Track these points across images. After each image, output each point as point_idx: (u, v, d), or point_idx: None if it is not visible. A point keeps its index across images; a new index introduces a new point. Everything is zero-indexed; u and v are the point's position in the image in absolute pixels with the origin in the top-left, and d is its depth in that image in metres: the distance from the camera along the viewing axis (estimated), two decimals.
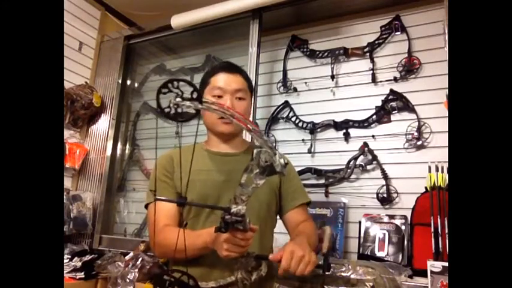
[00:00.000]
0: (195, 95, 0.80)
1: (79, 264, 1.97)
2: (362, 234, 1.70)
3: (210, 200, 1.14)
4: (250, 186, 0.81)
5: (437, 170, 1.53)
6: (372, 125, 1.90)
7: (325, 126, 2.01)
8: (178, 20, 2.25)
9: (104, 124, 2.48)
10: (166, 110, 0.82)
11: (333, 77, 2.03)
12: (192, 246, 1.01)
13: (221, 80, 1.20)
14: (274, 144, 0.82)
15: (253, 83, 2.00)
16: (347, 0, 2.03)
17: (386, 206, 1.77)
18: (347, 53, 2.04)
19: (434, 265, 1.31)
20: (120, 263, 1.87)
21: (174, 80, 0.83)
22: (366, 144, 1.86)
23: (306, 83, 2.10)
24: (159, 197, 1.09)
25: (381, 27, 1.98)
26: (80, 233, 2.22)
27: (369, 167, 1.84)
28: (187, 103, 0.81)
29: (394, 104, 1.85)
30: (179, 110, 0.82)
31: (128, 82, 2.66)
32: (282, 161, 0.79)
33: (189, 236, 0.99)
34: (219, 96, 1.19)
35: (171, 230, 1.11)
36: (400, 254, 1.59)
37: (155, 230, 1.11)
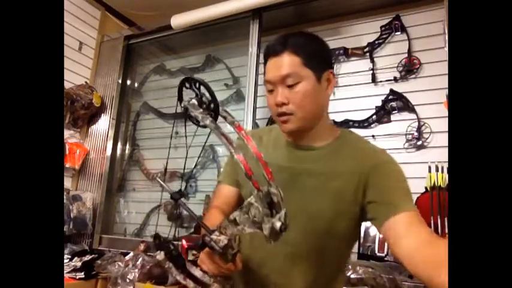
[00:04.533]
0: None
1: (79, 264, 1.97)
2: (362, 234, 1.70)
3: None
4: (237, 226, 0.70)
5: (437, 170, 1.53)
6: (372, 125, 1.90)
7: None
8: (178, 20, 2.25)
9: (104, 124, 2.48)
10: (181, 109, 0.77)
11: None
12: None
13: (268, 70, 0.93)
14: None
15: (254, 81, 2.00)
16: (347, 0, 2.03)
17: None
18: (347, 53, 2.04)
19: None
20: (120, 263, 1.87)
21: (195, 81, 0.78)
22: None
23: None
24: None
25: (381, 27, 1.98)
26: (80, 233, 2.22)
27: None
28: (195, 112, 0.75)
29: (394, 104, 1.85)
30: (194, 114, 0.77)
31: (128, 82, 2.66)
32: (277, 224, 0.64)
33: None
34: (271, 91, 0.93)
35: (211, 213, 1.00)
36: None
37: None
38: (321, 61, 0.94)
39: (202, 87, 0.80)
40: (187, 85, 0.82)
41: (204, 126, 0.76)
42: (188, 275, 0.80)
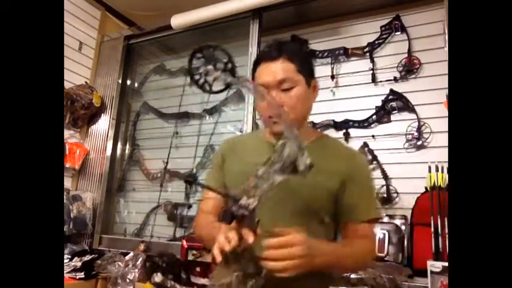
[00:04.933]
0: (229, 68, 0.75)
1: (79, 264, 1.97)
2: None
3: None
4: (265, 182, 0.71)
5: (437, 170, 1.53)
6: (372, 125, 1.90)
7: (325, 126, 2.00)
8: (178, 20, 2.25)
9: (104, 124, 2.48)
10: (196, 77, 0.76)
11: (333, 77, 2.03)
12: (208, 236, 0.95)
13: (262, 74, 1.00)
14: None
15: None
16: (347, 0, 2.03)
17: (386, 206, 1.77)
18: (347, 53, 2.04)
19: (434, 265, 1.31)
20: (120, 263, 1.87)
21: (210, 47, 0.77)
22: (366, 144, 1.86)
23: None
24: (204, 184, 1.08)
25: (381, 27, 1.98)
26: (80, 233, 2.22)
27: None
28: (213, 75, 0.74)
29: (394, 104, 1.85)
30: (209, 80, 0.76)
31: (128, 82, 2.66)
32: (307, 161, 0.71)
33: (208, 227, 0.97)
34: None
35: (203, 217, 1.07)
36: (400, 254, 1.59)
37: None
38: (311, 69, 1.05)
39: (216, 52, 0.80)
40: (198, 55, 0.81)
41: (220, 92, 0.77)
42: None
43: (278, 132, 0.96)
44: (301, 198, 0.94)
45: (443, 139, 1.71)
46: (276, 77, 0.97)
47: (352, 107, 1.97)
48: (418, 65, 1.84)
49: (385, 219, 1.70)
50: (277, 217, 0.89)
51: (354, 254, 0.91)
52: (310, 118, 2.03)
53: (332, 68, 2.03)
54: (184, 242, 1.73)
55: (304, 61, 1.03)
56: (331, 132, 1.99)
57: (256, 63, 1.03)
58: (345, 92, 2.01)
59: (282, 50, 1.00)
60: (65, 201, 2.12)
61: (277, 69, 0.97)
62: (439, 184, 1.51)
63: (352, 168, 0.98)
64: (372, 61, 1.96)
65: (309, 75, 1.02)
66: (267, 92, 0.96)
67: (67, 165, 2.29)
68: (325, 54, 2.08)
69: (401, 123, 1.83)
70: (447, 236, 1.39)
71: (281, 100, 0.96)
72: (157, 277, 0.78)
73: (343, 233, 0.99)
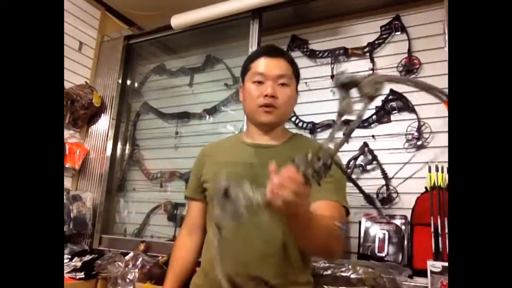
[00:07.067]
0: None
1: (79, 264, 1.97)
2: (362, 234, 1.70)
3: None
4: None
5: (437, 170, 1.53)
6: (372, 125, 1.90)
7: (325, 126, 2.00)
8: (178, 20, 2.25)
9: (104, 124, 2.48)
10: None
11: (333, 77, 2.03)
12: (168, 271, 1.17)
13: (262, 65, 1.08)
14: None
15: None
16: (347, 0, 2.03)
17: (386, 206, 1.77)
18: (347, 53, 2.04)
19: (434, 265, 1.31)
20: (120, 263, 1.87)
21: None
22: (366, 144, 1.86)
23: (306, 83, 2.10)
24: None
25: (381, 27, 1.98)
26: (80, 233, 2.22)
27: (368, 167, 1.84)
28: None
29: (394, 104, 1.85)
30: None
31: (128, 82, 2.66)
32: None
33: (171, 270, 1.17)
34: (260, 82, 1.06)
35: (175, 245, 1.22)
36: (400, 254, 1.59)
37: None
38: (299, 78, 1.16)
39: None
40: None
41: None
42: None
43: (266, 121, 1.07)
44: None
45: (443, 139, 1.71)
46: (277, 71, 1.06)
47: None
48: (418, 65, 1.84)
49: (385, 219, 1.70)
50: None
51: (324, 226, 0.88)
52: (310, 118, 2.05)
53: (332, 68, 2.03)
54: None
55: (297, 69, 1.14)
56: None
57: (255, 57, 1.11)
58: None
59: (284, 53, 1.13)
60: (65, 201, 2.11)
61: (279, 65, 1.07)
62: (439, 184, 1.51)
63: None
64: (372, 61, 1.96)
65: (297, 82, 1.14)
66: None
67: (67, 165, 2.29)
68: (325, 54, 2.08)
69: (401, 123, 1.83)
70: (447, 236, 1.39)
71: (276, 92, 1.04)
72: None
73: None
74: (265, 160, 0.97)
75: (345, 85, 0.72)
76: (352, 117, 0.77)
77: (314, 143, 1.16)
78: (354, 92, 0.74)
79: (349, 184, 1.85)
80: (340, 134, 0.79)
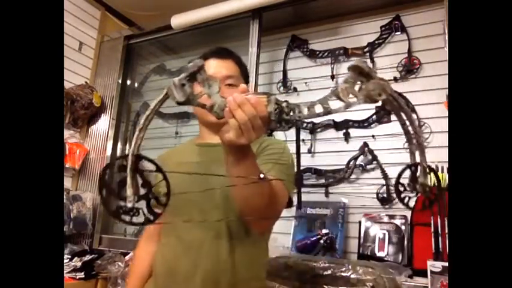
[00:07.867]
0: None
1: (79, 264, 1.97)
2: (362, 234, 1.70)
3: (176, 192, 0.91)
4: None
5: (437, 170, 1.53)
6: (372, 125, 1.90)
7: (325, 126, 2.01)
8: (178, 20, 2.25)
9: (104, 124, 2.48)
10: None
11: (333, 77, 2.03)
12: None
13: (210, 66, 1.09)
14: None
15: (254, 81, 2.01)
16: (347, 0, 2.03)
17: (386, 206, 1.77)
18: (347, 53, 2.04)
19: (434, 265, 1.31)
20: (120, 263, 1.87)
21: None
22: (366, 144, 1.86)
23: (306, 83, 2.10)
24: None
25: (381, 27, 1.98)
26: (80, 233, 2.22)
27: (368, 167, 1.85)
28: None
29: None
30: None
31: (128, 82, 2.66)
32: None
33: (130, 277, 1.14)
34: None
35: (135, 255, 1.21)
36: (400, 254, 1.59)
37: None
38: (248, 79, 1.19)
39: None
40: None
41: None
42: None
43: (212, 121, 1.03)
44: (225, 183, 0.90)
45: (443, 139, 1.71)
46: (225, 72, 1.08)
47: (352, 107, 1.96)
48: (418, 65, 1.84)
49: (385, 219, 1.70)
50: (204, 196, 0.93)
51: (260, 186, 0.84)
52: (310, 118, 2.05)
53: (332, 68, 2.03)
54: None
55: (246, 70, 1.18)
56: (331, 132, 1.99)
57: (204, 58, 1.10)
58: None
59: (232, 54, 1.15)
60: (65, 201, 2.12)
61: (227, 66, 1.10)
62: None
63: (261, 145, 1.04)
64: (372, 61, 1.96)
65: (246, 83, 1.14)
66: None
67: (67, 165, 2.29)
68: (325, 54, 2.08)
69: None
70: (447, 236, 1.39)
71: (222, 94, 1.00)
72: None
73: None
74: (211, 158, 1.03)
75: (360, 70, 0.71)
76: (343, 108, 0.74)
77: (264, 141, 1.12)
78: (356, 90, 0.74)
79: (351, 184, 1.89)
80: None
